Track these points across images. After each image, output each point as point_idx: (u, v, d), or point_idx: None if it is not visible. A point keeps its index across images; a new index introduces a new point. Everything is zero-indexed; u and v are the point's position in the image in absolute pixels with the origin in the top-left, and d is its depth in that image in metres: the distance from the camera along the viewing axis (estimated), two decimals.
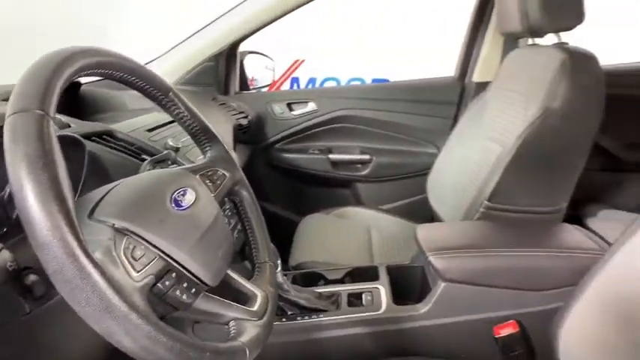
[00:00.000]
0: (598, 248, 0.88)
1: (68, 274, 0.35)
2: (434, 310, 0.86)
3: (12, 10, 2.26)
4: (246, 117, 1.62)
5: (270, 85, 1.99)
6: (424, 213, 1.39)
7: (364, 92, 1.80)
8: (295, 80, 3.60)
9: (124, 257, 0.41)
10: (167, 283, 0.44)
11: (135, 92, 0.57)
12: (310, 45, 3.38)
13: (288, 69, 3.57)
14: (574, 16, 0.98)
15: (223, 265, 0.54)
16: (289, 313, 0.88)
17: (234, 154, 0.69)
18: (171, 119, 1.08)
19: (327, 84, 3.52)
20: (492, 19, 1.53)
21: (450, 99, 1.66)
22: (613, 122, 1.02)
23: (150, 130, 1.01)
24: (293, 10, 1.49)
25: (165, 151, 0.78)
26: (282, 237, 1.06)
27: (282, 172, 1.83)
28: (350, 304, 0.90)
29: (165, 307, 0.45)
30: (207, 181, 0.60)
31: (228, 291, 0.56)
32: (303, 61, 3.55)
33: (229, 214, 0.82)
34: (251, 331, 0.52)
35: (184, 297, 0.46)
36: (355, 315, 0.87)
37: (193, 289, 0.48)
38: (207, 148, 0.66)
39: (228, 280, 0.57)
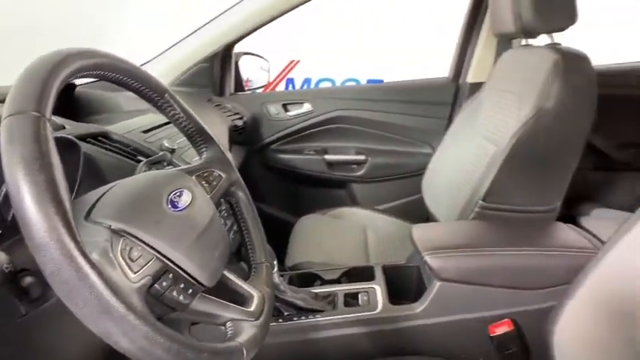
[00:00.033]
0: (592, 247, 0.89)
1: (65, 275, 0.35)
2: (430, 310, 0.86)
3: (11, 10, 2.25)
4: (241, 118, 1.62)
5: (266, 86, 1.99)
6: (420, 213, 1.39)
7: (359, 93, 1.81)
8: (290, 81, 3.60)
9: (120, 258, 0.41)
10: (164, 284, 0.44)
11: (130, 93, 0.57)
12: (305, 46, 3.38)
13: (283, 70, 3.57)
14: (566, 17, 0.99)
15: (220, 265, 0.54)
16: (286, 313, 0.88)
17: (229, 156, 0.69)
18: (166, 120, 1.08)
19: (322, 85, 3.52)
20: (486, 20, 1.54)
21: (445, 99, 1.67)
22: (605, 122, 1.04)
23: (145, 132, 1.01)
24: (288, 11, 1.49)
25: (161, 153, 0.78)
26: (278, 238, 1.06)
27: (278, 173, 1.83)
28: (346, 304, 0.91)
29: (162, 307, 0.45)
30: (204, 182, 0.60)
31: (224, 292, 0.56)
32: (298, 61, 3.56)
33: (225, 215, 0.82)
34: (248, 331, 0.52)
35: (181, 298, 0.46)
36: (352, 315, 0.87)
37: (190, 290, 0.48)
38: (203, 150, 0.67)
39: (224, 280, 0.57)
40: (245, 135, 1.65)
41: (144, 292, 0.42)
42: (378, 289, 0.93)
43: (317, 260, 1.23)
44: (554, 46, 1.02)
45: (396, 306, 0.89)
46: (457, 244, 0.91)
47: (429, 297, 0.87)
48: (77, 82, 1.21)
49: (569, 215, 1.54)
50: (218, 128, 1.37)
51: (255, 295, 0.58)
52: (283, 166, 1.80)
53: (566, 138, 0.98)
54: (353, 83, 3.32)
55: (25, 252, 0.44)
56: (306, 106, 1.76)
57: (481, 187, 1.01)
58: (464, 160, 1.15)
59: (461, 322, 0.87)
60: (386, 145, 1.74)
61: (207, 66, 1.62)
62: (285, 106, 1.78)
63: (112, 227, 0.43)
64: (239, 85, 1.82)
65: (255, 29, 1.54)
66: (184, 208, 0.51)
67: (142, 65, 1.30)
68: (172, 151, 0.85)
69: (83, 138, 0.78)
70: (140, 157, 0.86)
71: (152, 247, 0.45)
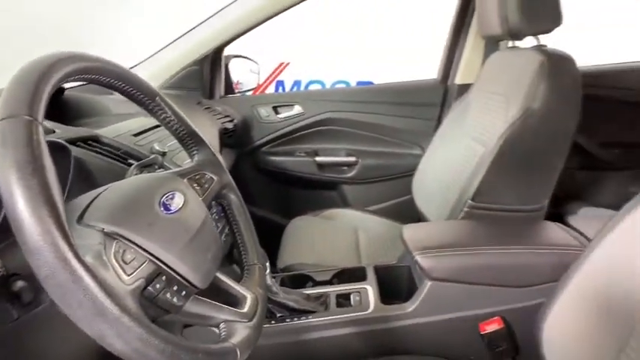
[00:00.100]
0: (578, 244, 0.91)
1: (60, 278, 0.35)
2: (421, 309, 0.87)
3: (11, 9, 2.23)
4: (231, 121, 1.62)
5: (255, 89, 1.99)
6: (410, 213, 1.40)
7: (349, 95, 1.82)
8: (280, 83, 3.60)
9: (114, 261, 0.42)
10: (158, 286, 0.44)
11: (119, 97, 0.57)
12: (295, 48, 3.39)
13: (273, 72, 3.57)
14: (552, 19, 1.01)
15: (212, 267, 0.55)
16: (278, 315, 0.88)
17: (220, 158, 0.69)
18: (157, 124, 1.09)
19: (312, 87, 3.53)
20: (473, 22, 1.56)
21: (434, 101, 1.69)
22: (589, 122, 1.05)
23: (136, 135, 1.01)
24: (277, 14, 1.50)
25: (152, 156, 0.78)
26: (270, 240, 1.06)
27: (269, 175, 1.83)
28: (338, 304, 0.91)
29: (156, 310, 0.45)
30: (195, 185, 0.60)
31: (217, 293, 0.57)
32: (287, 64, 3.56)
33: (216, 217, 0.82)
34: (241, 332, 0.52)
35: (175, 300, 0.46)
36: (344, 315, 0.88)
37: (183, 292, 0.48)
38: (194, 152, 0.67)
39: (217, 282, 0.57)
40: (235, 137, 1.64)
41: (138, 295, 0.42)
42: (369, 290, 0.94)
43: (309, 261, 1.23)
44: (539, 48, 1.04)
45: (387, 306, 0.90)
46: (447, 244, 0.92)
47: (420, 296, 0.88)
48: (66, 85, 1.20)
49: (557, 214, 1.56)
50: (208, 131, 1.37)
51: (248, 297, 0.59)
52: (274, 168, 1.80)
53: (552, 138, 1.00)
54: (343, 85, 3.33)
55: (17, 256, 0.44)
56: (297, 109, 1.77)
57: (470, 187, 1.02)
58: (453, 160, 1.17)
59: (452, 321, 0.88)
60: (376, 146, 1.75)
61: (197, 69, 1.62)
62: (275, 109, 1.78)
63: (105, 230, 0.43)
64: (229, 88, 1.82)
65: (244, 32, 1.54)
66: (177, 211, 0.51)
67: (131, 68, 1.30)
68: (163, 154, 0.84)
69: (73, 142, 0.78)
70: (131, 161, 0.86)
71: (145, 250, 0.45)
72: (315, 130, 1.77)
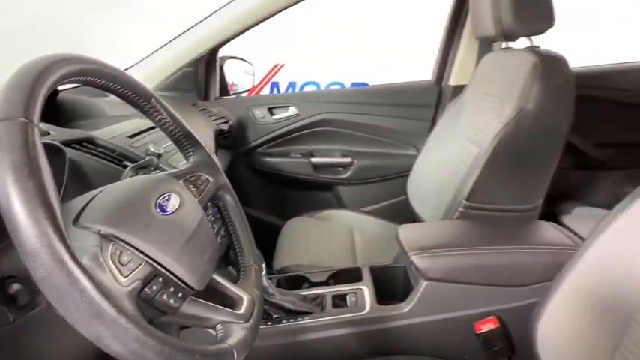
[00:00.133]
0: (572, 244, 0.91)
1: (57, 280, 0.35)
2: (417, 309, 0.88)
3: (11, 9, 2.21)
4: (226, 122, 1.62)
5: (250, 90, 1.99)
6: (405, 214, 1.41)
7: (344, 96, 1.82)
8: (275, 85, 3.60)
9: (111, 263, 0.42)
10: (154, 287, 0.44)
11: (114, 99, 0.57)
12: (289, 49, 3.39)
13: (268, 73, 3.57)
14: (545, 21, 1.02)
15: (209, 269, 0.55)
16: (274, 316, 0.88)
17: (216, 160, 0.69)
18: (152, 125, 1.09)
19: (307, 88, 3.53)
20: (467, 24, 1.57)
21: (428, 102, 1.69)
22: (582, 122, 1.06)
23: (131, 137, 1.01)
24: (272, 15, 1.50)
25: (148, 157, 0.78)
26: (266, 241, 1.07)
27: (265, 177, 1.83)
28: (334, 305, 0.91)
29: (153, 311, 0.45)
30: (191, 187, 0.60)
31: (214, 295, 0.57)
32: (282, 65, 3.56)
33: (212, 219, 0.83)
34: (238, 333, 0.53)
35: (171, 301, 0.46)
36: (340, 316, 0.88)
37: (180, 294, 0.48)
38: (189, 154, 0.67)
39: (214, 284, 0.58)
40: (231, 139, 1.64)
41: (134, 296, 0.42)
42: (365, 290, 0.94)
43: (305, 262, 1.24)
44: (533, 49, 1.05)
45: (383, 306, 0.90)
46: (442, 244, 0.92)
47: (415, 296, 0.88)
48: (60, 87, 1.20)
49: (551, 213, 1.57)
50: (203, 132, 1.37)
51: (245, 298, 0.59)
52: (270, 169, 1.81)
53: (546, 138, 1.01)
54: (338, 86, 3.34)
55: (12, 259, 0.44)
56: (292, 110, 1.77)
57: (465, 188, 1.03)
58: (448, 161, 1.17)
59: (447, 321, 0.88)
60: (371, 147, 1.76)
61: (191, 70, 1.62)
62: (270, 110, 1.78)
63: (102, 232, 0.43)
64: (224, 89, 1.82)
65: (239, 33, 1.54)
66: (173, 213, 0.51)
67: (126, 69, 1.30)
68: (159, 155, 0.85)
69: (68, 144, 0.78)
70: (126, 163, 0.86)
71: (142, 252, 0.45)
72: (311, 132, 1.77)
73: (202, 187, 0.62)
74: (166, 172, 0.62)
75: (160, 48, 1.56)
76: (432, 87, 1.70)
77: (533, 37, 1.06)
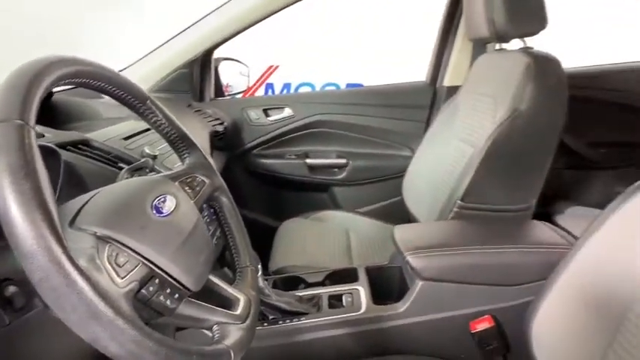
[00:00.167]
0: (566, 243, 0.92)
1: (54, 282, 0.35)
2: (412, 309, 0.88)
3: (11, 8, 2.20)
4: (222, 123, 1.62)
5: (245, 91, 1.99)
6: (400, 214, 1.41)
7: (339, 97, 1.82)
8: (270, 86, 3.60)
9: (107, 264, 0.42)
10: (151, 289, 0.45)
11: (108, 100, 0.57)
12: (284, 51, 3.39)
13: (263, 75, 3.57)
14: (537, 22, 1.03)
15: (205, 270, 0.55)
16: (271, 317, 0.88)
17: (211, 161, 0.69)
18: (147, 127, 1.09)
19: (302, 89, 3.54)
20: (461, 25, 1.58)
21: (423, 103, 1.70)
22: (575, 122, 1.07)
23: (126, 139, 1.00)
24: (267, 17, 1.50)
25: (143, 159, 0.77)
26: (262, 242, 1.07)
27: (260, 178, 1.83)
28: (331, 305, 0.92)
29: (149, 312, 0.45)
30: (187, 188, 0.60)
31: (210, 296, 0.57)
32: (277, 66, 3.56)
33: (207, 220, 0.82)
34: (235, 334, 0.53)
35: (168, 302, 0.47)
36: (336, 316, 0.88)
37: (176, 295, 0.48)
38: (185, 155, 0.67)
39: (210, 285, 0.58)
40: (226, 140, 1.64)
41: (131, 297, 0.42)
42: (361, 290, 0.94)
43: (300, 263, 1.24)
44: (526, 50, 1.06)
45: (379, 306, 0.90)
46: (437, 244, 0.93)
47: (411, 296, 0.88)
48: (54, 89, 1.19)
49: (545, 213, 1.58)
50: (199, 134, 1.37)
51: (241, 299, 0.59)
52: (265, 170, 1.81)
53: (540, 138, 1.01)
54: (333, 88, 3.34)
55: (8, 261, 0.44)
56: (287, 111, 1.77)
57: (459, 188, 1.03)
58: (442, 161, 1.18)
59: (443, 320, 0.89)
60: (366, 148, 1.76)
61: (186, 72, 1.62)
62: (265, 111, 1.78)
63: (98, 234, 0.43)
64: (219, 91, 1.82)
65: (234, 35, 1.54)
66: (169, 214, 0.51)
67: (120, 71, 1.29)
68: (154, 157, 0.84)
69: (63, 146, 0.78)
70: (121, 164, 0.86)
71: (138, 253, 0.45)
72: (306, 133, 1.77)
73: (198, 189, 0.62)
74: (162, 174, 0.62)
75: (154, 49, 1.55)
76: (426, 88, 1.71)
77: (526, 38, 1.07)
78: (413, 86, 1.77)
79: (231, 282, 0.63)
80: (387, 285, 1.01)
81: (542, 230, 1.00)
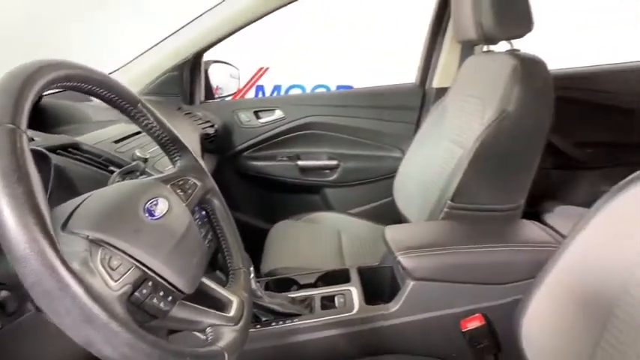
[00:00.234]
0: (554, 242, 0.94)
1: (47, 285, 0.35)
2: (404, 308, 0.89)
3: (10, 8, 2.17)
4: (212, 126, 1.62)
5: (235, 94, 1.99)
6: (391, 215, 1.42)
7: (330, 99, 1.83)
8: (260, 88, 3.60)
9: (101, 267, 0.42)
10: (144, 291, 0.45)
11: (98, 103, 0.57)
12: (274, 53, 3.39)
13: (253, 77, 3.56)
14: (524, 25, 1.05)
15: (198, 272, 0.55)
16: (263, 319, 0.88)
17: (203, 164, 0.69)
18: (137, 130, 1.09)
19: (293, 91, 3.54)
20: (449, 28, 1.59)
21: (412, 104, 1.72)
22: (561, 122, 1.09)
23: (116, 142, 1.00)
24: (257, 19, 1.50)
25: (134, 162, 0.77)
26: (254, 244, 1.07)
27: (251, 180, 1.83)
28: (323, 307, 0.92)
29: (143, 315, 0.45)
30: (179, 191, 0.60)
31: (203, 298, 0.57)
32: (267, 69, 3.56)
33: (199, 223, 0.82)
34: (228, 335, 0.53)
35: (161, 305, 0.47)
36: (329, 317, 0.88)
37: (170, 297, 0.48)
38: (176, 158, 0.67)
39: (203, 287, 0.58)
40: (217, 143, 1.64)
41: (125, 300, 0.42)
42: (353, 291, 0.95)
43: (293, 265, 1.24)
44: (513, 52, 1.07)
45: (371, 306, 0.91)
46: (428, 244, 0.94)
47: (402, 296, 0.89)
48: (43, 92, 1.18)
49: (533, 212, 1.60)
50: (189, 136, 1.37)
51: (234, 301, 0.59)
52: (256, 173, 1.81)
53: (527, 139, 1.03)
54: (323, 89, 3.35)
55: (0, 265, 0.44)
56: (278, 113, 1.78)
57: (449, 188, 1.04)
58: (432, 162, 1.19)
59: (434, 319, 0.89)
60: (357, 149, 1.77)
61: (176, 74, 1.61)
62: (256, 113, 1.78)
63: (90, 237, 0.43)
64: (209, 93, 1.82)
65: (224, 37, 1.54)
66: (161, 217, 0.51)
67: (110, 73, 1.29)
68: (145, 160, 0.84)
69: (53, 149, 0.77)
70: (112, 168, 0.85)
71: (131, 256, 0.45)
72: (297, 135, 1.78)
73: (190, 191, 0.62)
74: (154, 177, 0.62)
75: (144, 52, 1.55)
76: (416, 89, 1.73)
77: (512, 41, 1.09)
78: (402, 88, 1.79)
79: (223, 284, 0.63)
80: (379, 285, 1.02)
81: (531, 229, 1.01)
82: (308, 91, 3.47)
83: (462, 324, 0.87)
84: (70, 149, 0.84)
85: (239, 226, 0.73)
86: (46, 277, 0.35)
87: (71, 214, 0.46)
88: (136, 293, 0.44)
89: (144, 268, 0.46)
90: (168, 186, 0.59)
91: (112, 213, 0.48)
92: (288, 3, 1.48)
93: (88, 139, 0.95)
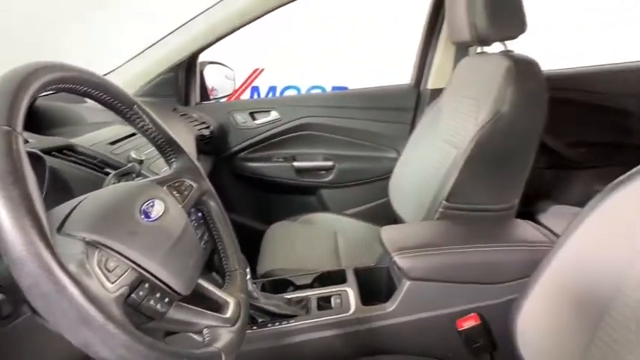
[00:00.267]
0: (548, 241, 0.94)
1: (44, 288, 0.35)
2: (400, 308, 0.89)
3: (10, 8, 2.16)
4: (208, 127, 1.62)
5: (230, 95, 1.99)
6: (387, 215, 1.43)
7: (325, 100, 1.83)
8: (255, 89, 3.60)
9: (97, 269, 0.42)
10: (141, 293, 0.45)
11: (92, 105, 0.57)
12: (269, 54, 3.40)
13: (248, 78, 3.56)
14: (517, 26, 1.05)
15: (194, 274, 0.55)
16: (260, 320, 0.88)
17: (199, 165, 0.69)
18: (133, 131, 1.08)
19: (288, 92, 3.54)
20: (444, 29, 1.60)
21: (407, 105, 1.72)
22: (555, 122, 1.10)
23: (112, 144, 1.00)
24: (251, 21, 1.50)
25: (130, 164, 0.77)
26: (249, 246, 1.07)
27: (247, 182, 1.83)
28: (320, 307, 0.92)
29: (140, 317, 0.45)
30: (175, 192, 0.60)
31: (200, 300, 0.57)
32: (262, 70, 3.56)
33: (195, 224, 0.82)
34: (225, 337, 0.53)
35: (158, 306, 0.47)
36: (325, 318, 0.89)
37: (167, 299, 0.48)
38: (172, 160, 0.67)
39: (199, 289, 0.58)
40: (212, 144, 1.64)
41: (122, 302, 0.42)
42: (350, 292, 0.95)
43: (289, 266, 1.24)
44: (506, 53, 1.08)
45: (368, 307, 0.91)
46: (424, 244, 0.94)
47: (399, 296, 0.89)
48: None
49: (527, 212, 1.61)
50: (184, 138, 1.36)
51: (231, 302, 0.59)
52: (252, 174, 1.81)
53: (521, 139, 1.04)
54: (318, 91, 3.35)
55: None
56: (273, 114, 1.78)
57: (444, 189, 1.05)
58: (427, 163, 1.19)
59: (430, 319, 0.90)
60: (352, 150, 1.77)
61: (171, 76, 1.61)
62: (252, 115, 1.78)
63: (86, 239, 0.43)
64: (204, 95, 1.82)
65: (219, 38, 1.54)
66: (157, 218, 0.52)
67: (104, 75, 1.28)
68: (141, 162, 0.84)
69: (48, 151, 0.77)
70: (108, 170, 0.85)
71: (127, 258, 0.45)
72: (293, 136, 1.78)
73: (186, 193, 0.62)
74: (150, 179, 0.62)
75: (139, 53, 1.54)
76: (410, 90, 1.73)
77: (506, 42, 1.10)
78: (397, 89, 1.79)
79: (220, 286, 0.63)
80: (375, 285, 1.02)
81: (525, 229, 1.02)
82: (303, 92, 3.47)
83: (457, 323, 0.88)
84: (65, 151, 0.84)
85: (235, 227, 0.73)
86: (42, 279, 0.35)
87: (67, 216, 0.46)
88: (133, 295, 0.44)
89: (140, 270, 0.46)
90: (164, 188, 0.59)
91: (108, 215, 0.48)
92: (283, 4, 1.48)
93: (84, 140, 0.95)
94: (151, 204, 0.52)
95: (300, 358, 0.88)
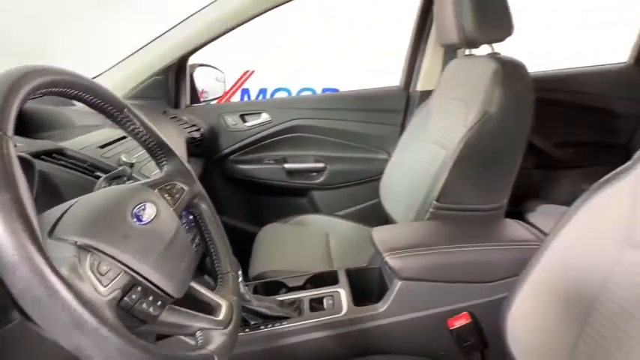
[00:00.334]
0: (537, 240, 0.95)
1: (36, 292, 0.35)
2: (392, 308, 0.90)
3: (10, 8, 2.13)
4: (198, 130, 1.61)
5: (221, 97, 1.98)
6: (378, 216, 1.43)
7: (316, 102, 1.84)
8: (246, 91, 3.59)
9: (90, 273, 0.42)
10: (134, 296, 0.45)
11: (81, 108, 0.57)
12: (259, 56, 3.39)
13: (238, 80, 3.55)
14: (504, 29, 1.07)
15: (187, 277, 0.55)
16: (252, 322, 0.88)
17: (190, 168, 0.69)
18: (123, 135, 1.08)
19: (278, 94, 3.54)
20: (432, 31, 1.62)
21: (397, 107, 1.73)
22: (543, 123, 1.12)
23: (102, 147, 0.99)
24: (242, 23, 1.50)
25: (120, 167, 0.77)
26: (241, 248, 1.06)
27: (238, 184, 1.83)
28: (312, 309, 0.92)
29: (132, 320, 0.45)
30: (166, 195, 0.60)
31: (193, 302, 0.57)
32: (252, 72, 3.55)
33: (187, 227, 0.82)
34: (218, 339, 0.53)
35: (151, 310, 0.47)
36: (317, 319, 0.89)
37: (159, 302, 0.48)
38: (163, 163, 0.67)
39: (192, 292, 0.58)
40: (203, 147, 1.63)
41: (114, 305, 0.42)
42: (342, 293, 0.95)
43: (281, 268, 1.24)
44: (494, 56, 1.10)
45: (360, 307, 0.91)
46: (415, 244, 0.95)
47: (390, 296, 0.90)
48: None
49: (516, 212, 1.63)
50: (175, 141, 1.36)
51: (223, 304, 0.59)
52: (243, 176, 1.80)
53: (509, 140, 1.05)
54: (309, 92, 3.36)
55: None
56: (264, 116, 1.78)
57: (434, 189, 1.06)
58: (417, 164, 1.20)
59: (422, 319, 0.90)
60: (343, 152, 1.78)
61: (161, 78, 1.60)
62: (242, 117, 1.78)
63: (78, 243, 0.43)
64: (194, 97, 1.81)
65: (209, 41, 1.54)
66: (149, 222, 0.51)
67: (94, 78, 1.27)
68: (131, 165, 0.84)
69: (37, 155, 0.76)
70: (98, 173, 0.85)
71: (120, 261, 0.45)
72: (283, 138, 1.78)
73: (177, 196, 0.62)
74: (141, 182, 0.62)
75: (129, 56, 1.54)
76: (400, 92, 1.74)
77: (494, 44, 1.11)
78: (387, 91, 1.80)
79: (212, 288, 0.63)
80: (367, 286, 1.03)
81: (514, 228, 1.03)
82: (294, 94, 3.47)
83: (449, 322, 0.88)
84: (55, 155, 0.83)
85: (227, 229, 0.73)
86: (35, 283, 0.35)
87: (58, 220, 0.46)
88: (126, 298, 0.44)
89: (133, 273, 0.46)
90: (156, 191, 0.59)
91: (100, 218, 0.48)
92: (273, 7, 1.48)
93: (73, 144, 0.94)
94: (143, 207, 0.52)
95: (293, 359, 0.89)
